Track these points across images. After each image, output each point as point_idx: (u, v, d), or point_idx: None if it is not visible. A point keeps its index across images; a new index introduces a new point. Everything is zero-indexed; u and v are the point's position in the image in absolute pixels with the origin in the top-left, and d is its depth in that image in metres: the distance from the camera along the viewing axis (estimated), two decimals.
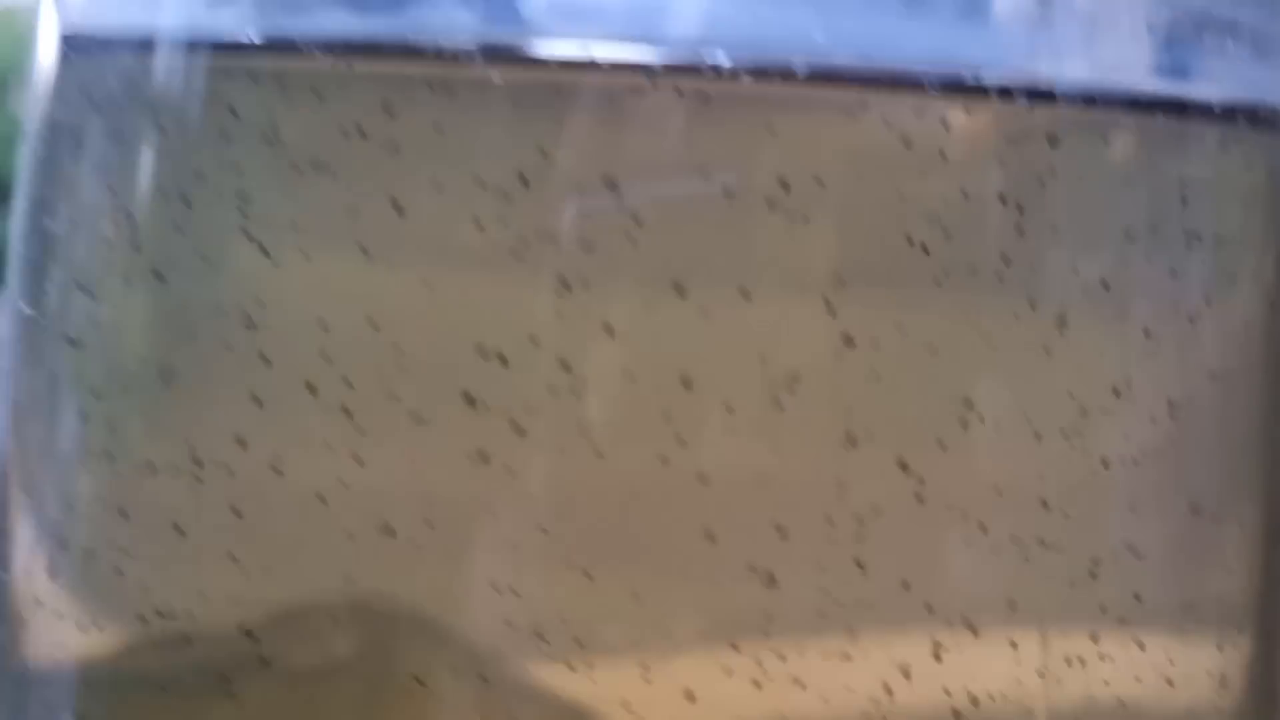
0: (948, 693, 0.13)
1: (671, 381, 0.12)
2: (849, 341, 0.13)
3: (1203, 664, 0.15)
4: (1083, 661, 0.14)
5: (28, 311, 0.14)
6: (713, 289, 0.12)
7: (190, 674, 0.14)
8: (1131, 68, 0.13)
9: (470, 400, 0.12)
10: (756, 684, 0.13)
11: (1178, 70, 0.13)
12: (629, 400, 0.13)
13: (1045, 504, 0.13)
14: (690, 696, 0.13)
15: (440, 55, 0.12)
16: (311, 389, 0.13)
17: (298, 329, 0.13)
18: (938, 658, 0.13)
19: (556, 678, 0.13)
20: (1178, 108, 0.13)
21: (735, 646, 0.13)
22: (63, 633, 0.14)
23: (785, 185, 0.12)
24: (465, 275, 0.13)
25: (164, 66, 0.13)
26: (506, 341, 0.12)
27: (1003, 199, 0.13)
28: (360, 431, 0.13)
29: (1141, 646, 0.14)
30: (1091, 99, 0.13)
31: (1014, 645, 0.13)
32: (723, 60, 0.12)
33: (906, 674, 0.13)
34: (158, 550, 0.13)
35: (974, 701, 0.13)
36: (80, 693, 0.14)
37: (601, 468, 0.13)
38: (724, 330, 0.13)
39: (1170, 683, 0.14)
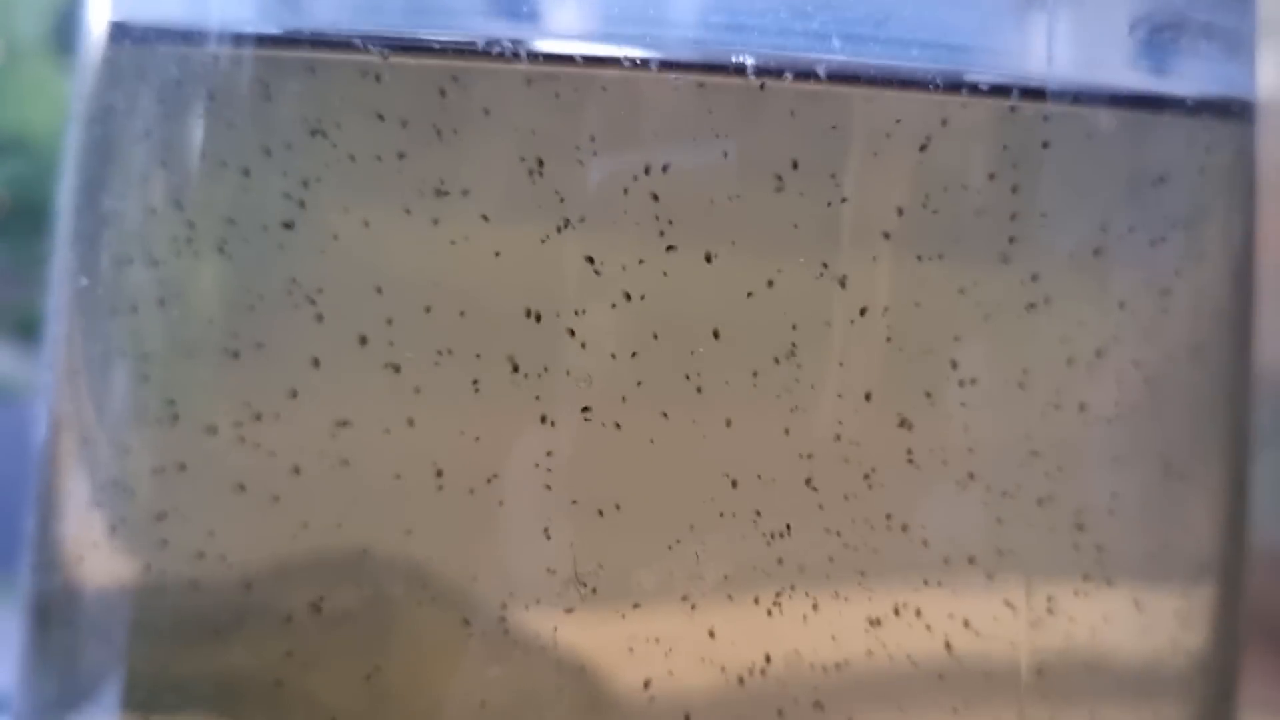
0: (933, 630, 0.14)
1: (695, 344, 0.13)
2: (861, 310, 0.13)
3: (1171, 610, 0.15)
4: (1062, 606, 0.14)
5: (83, 282, 0.15)
6: (732, 257, 0.13)
7: (230, 619, 0.14)
8: (1114, 65, 0.14)
9: (511, 363, 0.13)
10: (771, 618, 0.13)
11: (1156, 67, 0.14)
12: (655, 359, 0.13)
13: (1033, 457, 0.14)
14: (711, 634, 0.13)
15: (474, 51, 0.13)
16: (364, 348, 0.13)
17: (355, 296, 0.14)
18: (927, 602, 0.14)
19: (578, 625, 0.13)
20: (1155, 102, 0.14)
21: (755, 587, 0.13)
22: (115, 581, 0.15)
23: (795, 164, 0.13)
24: (502, 245, 0.13)
25: (213, 55, 0.14)
26: (542, 306, 0.13)
27: (993, 179, 0.14)
28: (414, 391, 0.13)
29: (1115, 593, 0.15)
30: (1077, 96, 0.14)
31: (1000, 589, 0.14)
32: (726, 55, 0.13)
33: (899, 613, 0.14)
34: (213, 505, 0.14)
35: (960, 640, 0.14)
36: (130, 639, 0.15)
37: (630, 424, 0.13)
38: (744, 295, 0.13)
39: (1141, 627, 0.15)
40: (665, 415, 0.13)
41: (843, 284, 0.13)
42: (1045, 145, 0.14)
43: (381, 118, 0.13)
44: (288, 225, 0.14)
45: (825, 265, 0.13)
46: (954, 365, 0.14)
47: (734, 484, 0.13)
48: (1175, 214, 0.15)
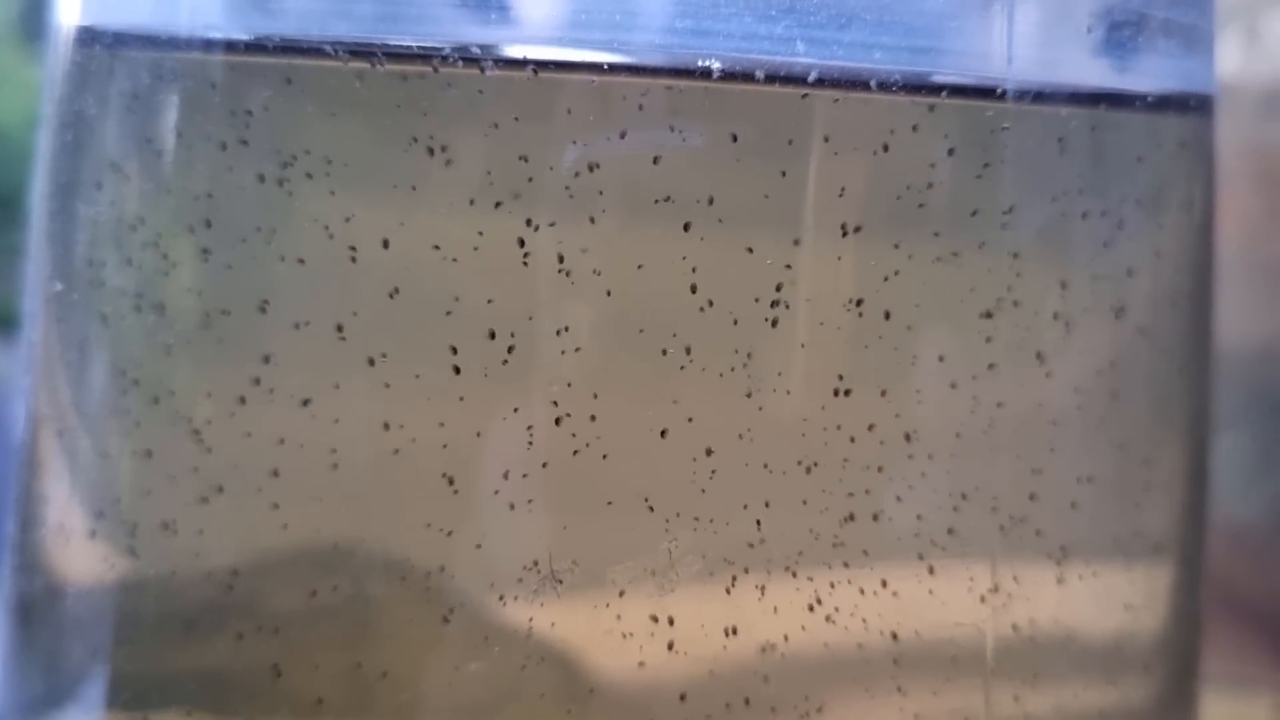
0: (900, 614, 0.14)
1: (665, 339, 0.13)
2: (828, 300, 0.14)
3: (1132, 589, 0.16)
4: (1024, 588, 0.15)
5: (58, 286, 0.15)
6: (702, 254, 0.13)
7: (216, 613, 0.15)
8: (1074, 63, 0.14)
9: (499, 350, 0.13)
10: (740, 602, 0.14)
11: (1116, 64, 0.15)
12: (633, 352, 0.13)
13: (995, 441, 0.14)
14: (677, 620, 0.14)
15: (446, 60, 0.13)
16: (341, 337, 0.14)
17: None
18: (895, 586, 0.14)
19: (557, 615, 0.14)
20: (1115, 99, 0.14)
21: (726, 572, 0.14)
22: (97, 579, 0.15)
23: (762, 163, 0.13)
24: (478, 241, 0.13)
25: (184, 60, 0.14)
26: (516, 302, 0.13)
27: (955, 174, 0.14)
28: (390, 386, 0.14)
29: (1076, 573, 0.15)
30: (1038, 95, 0.14)
31: (963, 572, 0.14)
32: (693, 60, 0.13)
33: (866, 596, 0.14)
34: (194, 502, 0.14)
35: (926, 623, 0.14)
36: (114, 636, 0.15)
37: (605, 415, 0.13)
38: (713, 289, 0.13)
39: (1103, 607, 0.15)
40: (639, 406, 0.13)
41: (808, 276, 0.14)
42: (1006, 142, 0.14)
43: (355, 121, 0.13)
44: (259, 228, 0.14)
45: (789, 263, 0.14)
46: (917, 356, 0.14)
47: (712, 474, 0.14)
48: (1136, 204, 0.15)
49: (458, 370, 0.13)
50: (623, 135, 0.13)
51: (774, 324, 0.14)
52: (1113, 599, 0.16)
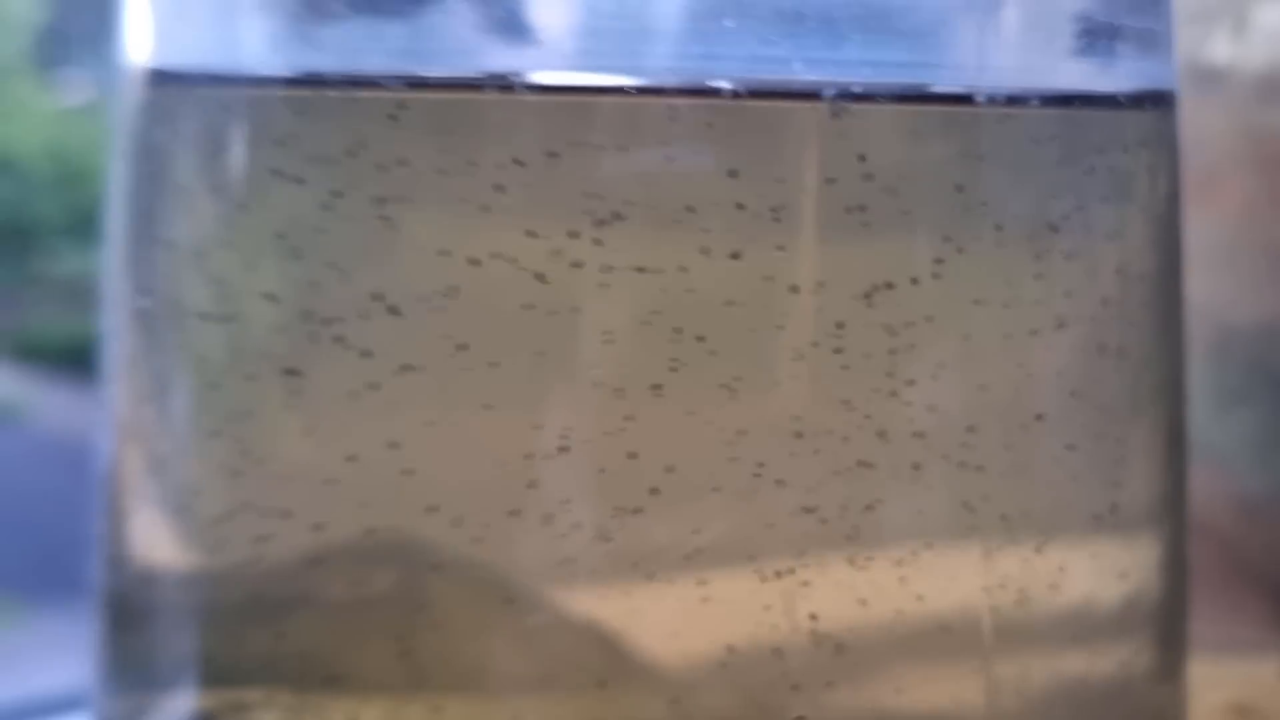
0: (903, 590, 0.15)
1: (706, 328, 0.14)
2: (828, 293, 0.15)
3: (1118, 565, 0.16)
4: (1018, 563, 0.15)
5: (142, 302, 0.16)
6: (714, 255, 0.14)
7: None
8: (1045, 69, 0.16)
9: (535, 351, 0.14)
10: (766, 584, 0.15)
11: (1085, 68, 0.16)
12: (657, 345, 0.14)
13: (985, 421, 0.15)
14: (712, 603, 0.14)
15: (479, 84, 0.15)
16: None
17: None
18: (904, 565, 0.15)
19: (602, 603, 0.15)
20: (1085, 100, 0.16)
21: (759, 556, 0.15)
22: (181, 573, 0.16)
23: (763, 171, 0.15)
24: (518, 250, 0.15)
25: (244, 96, 0.16)
26: (554, 301, 0.14)
27: (938, 173, 0.15)
28: (445, 384, 0.15)
29: (1067, 546, 0.16)
30: (1012, 99, 0.15)
31: (959, 549, 0.15)
32: (703, 80, 0.14)
33: (877, 576, 0.15)
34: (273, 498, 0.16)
35: (924, 600, 0.15)
36: (199, 626, 0.16)
37: (646, 404, 0.14)
38: (728, 286, 0.15)
39: (1095, 578, 0.16)
40: (680, 408, 0.14)
41: (814, 279, 0.15)
42: (985, 143, 0.15)
43: (404, 143, 0.15)
44: (325, 243, 0.15)
45: (793, 265, 0.15)
46: (919, 349, 0.15)
47: (761, 468, 0.15)
48: (1109, 197, 0.16)
49: (494, 373, 0.15)
50: (641, 149, 0.14)
51: (783, 321, 0.15)
52: (1104, 570, 0.16)
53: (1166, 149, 0.17)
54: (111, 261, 0.17)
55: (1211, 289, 0.27)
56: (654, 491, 0.15)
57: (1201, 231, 0.23)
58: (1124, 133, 0.16)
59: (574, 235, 0.14)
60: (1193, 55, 0.28)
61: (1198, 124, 0.20)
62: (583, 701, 0.15)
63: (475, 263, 0.15)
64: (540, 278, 0.14)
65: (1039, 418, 0.16)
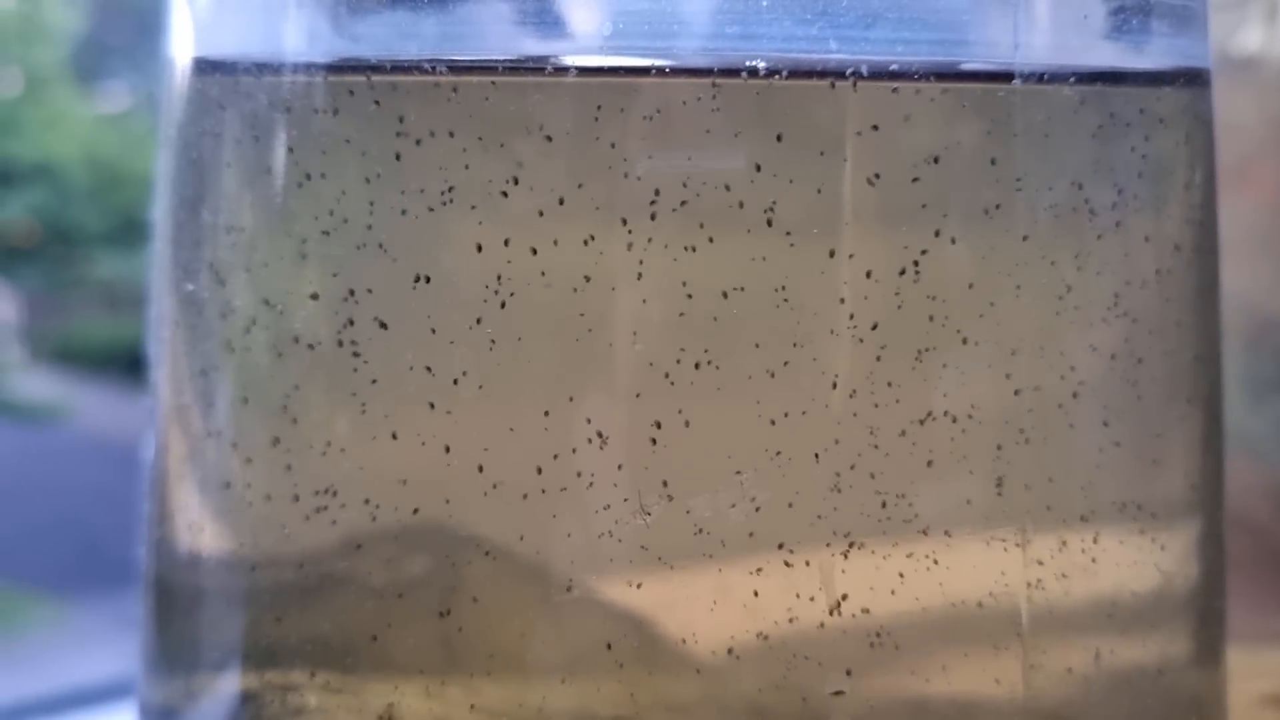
0: (941, 576, 0.15)
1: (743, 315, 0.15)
2: (867, 276, 0.15)
3: (1155, 551, 0.16)
4: (1056, 550, 0.15)
5: (189, 288, 0.17)
6: (752, 240, 0.15)
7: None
8: (1080, 47, 0.16)
9: (569, 340, 0.15)
10: (797, 571, 0.15)
11: (1119, 45, 0.16)
12: (693, 336, 0.15)
13: (1023, 407, 0.15)
14: (753, 591, 0.15)
15: (517, 68, 0.15)
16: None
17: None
18: (936, 552, 0.15)
19: (638, 587, 0.15)
20: (1118, 77, 0.16)
21: (795, 542, 0.15)
22: (225, 560, 0.17)
23: (802, 150, 0.15)
24: (557, 238, 0.15)
25: (289, 82, 0.16)
26: (592, 296, 0.15)
27: (974, 152, 0.15)
28: (482, 381, 0.15)
29: (1105, 535, 0.16)
30: (1044, 76, 0.15)
31: (998, 537, 0.15)
32: (740, 61, 0.14)
33: (914, 560, 0.15)
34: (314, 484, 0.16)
35: (962, 586, 0.15)
36: (242, 611, 0.16)
37: (679, 397, 0.15)
38: (767, 271, 0.15)
39: (1132, 566, 0.16)
40: (718, 390, 0.15)
41: (850, 257, 0.15)
42: (1020, 120, 0.15)
43: (449, 133, 0.15)
44: (369, 227, 0.15)
45: (833, 248, 0.15)
46: (956, 327, 0.15)
47: (797, 451, 0.15)
48: (1144, 174, 0.16)
49: (530, 367, 0.15)
50: (678, 134, 0.15)
51: (822, 305, 0.15)
52: (1141, 559, 0.16)
53: (1202, 126, 0.17)
54: (158, 248, 0.17)
55: (1245, 279, 0.27)
56: (691, 476, 0.15)
57: (1235, 221, 0.23)
58: (1159, 110, 0.16)
59: (612, 219, 0.15)
60: (1224, 44, 0.27)
61: (1230, 112, 0.20)
62: (618, 683, 0.15)
63: (515, 248, 0.15)
64: (579, 263, 0.15)
65: (1076, 398, 0.16)
